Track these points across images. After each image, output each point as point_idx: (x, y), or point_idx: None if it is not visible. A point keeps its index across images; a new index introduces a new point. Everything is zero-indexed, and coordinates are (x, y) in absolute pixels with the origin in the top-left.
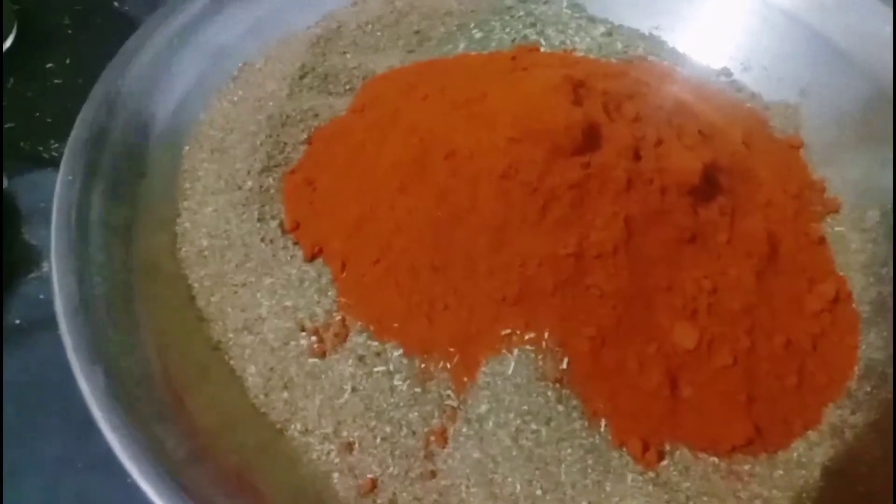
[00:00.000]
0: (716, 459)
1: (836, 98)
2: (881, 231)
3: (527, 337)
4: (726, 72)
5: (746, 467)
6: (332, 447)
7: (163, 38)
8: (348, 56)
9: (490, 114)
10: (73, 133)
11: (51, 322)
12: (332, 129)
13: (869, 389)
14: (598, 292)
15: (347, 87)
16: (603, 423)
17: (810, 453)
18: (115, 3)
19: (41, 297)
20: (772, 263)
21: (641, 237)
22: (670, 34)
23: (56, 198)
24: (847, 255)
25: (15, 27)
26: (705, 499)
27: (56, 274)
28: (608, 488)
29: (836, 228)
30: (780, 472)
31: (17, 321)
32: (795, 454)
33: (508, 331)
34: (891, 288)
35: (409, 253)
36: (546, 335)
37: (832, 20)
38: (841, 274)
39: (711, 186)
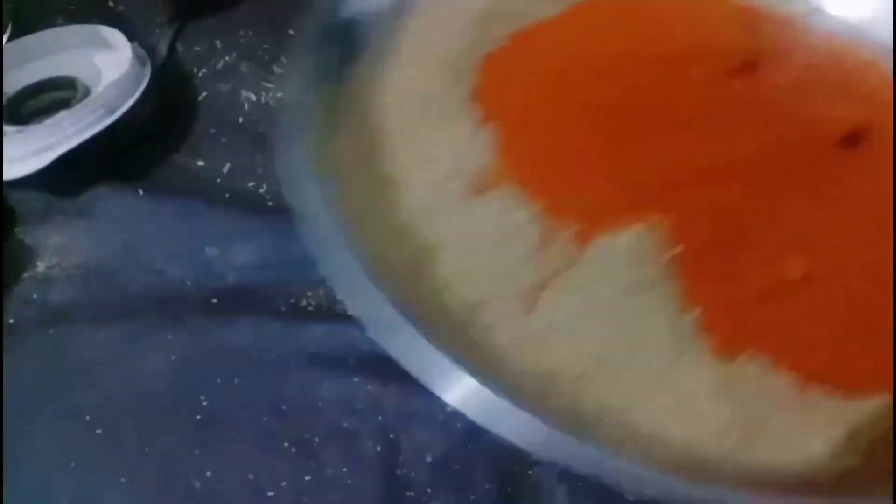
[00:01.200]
0: (790, 380)
1: None
2: None
3: (651, 217)
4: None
5: (818, 398)
6: (455, 270)
7: None
8: None
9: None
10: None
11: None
12: (534, 30)
13: None
14: (727, 198)
15: None
16: (696, 312)
17: (886, 408)
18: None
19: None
20: None
21: (782, 164)
22: None
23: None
24: None
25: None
26: (764, 406)
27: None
28: (680, 370)
29: None
30: (850, 413)
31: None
32: (873, 405)
33: (633, 211)
34: None
35: (566, 129)
36: (666, 222)
37: None
38: None
39: (856, 134)
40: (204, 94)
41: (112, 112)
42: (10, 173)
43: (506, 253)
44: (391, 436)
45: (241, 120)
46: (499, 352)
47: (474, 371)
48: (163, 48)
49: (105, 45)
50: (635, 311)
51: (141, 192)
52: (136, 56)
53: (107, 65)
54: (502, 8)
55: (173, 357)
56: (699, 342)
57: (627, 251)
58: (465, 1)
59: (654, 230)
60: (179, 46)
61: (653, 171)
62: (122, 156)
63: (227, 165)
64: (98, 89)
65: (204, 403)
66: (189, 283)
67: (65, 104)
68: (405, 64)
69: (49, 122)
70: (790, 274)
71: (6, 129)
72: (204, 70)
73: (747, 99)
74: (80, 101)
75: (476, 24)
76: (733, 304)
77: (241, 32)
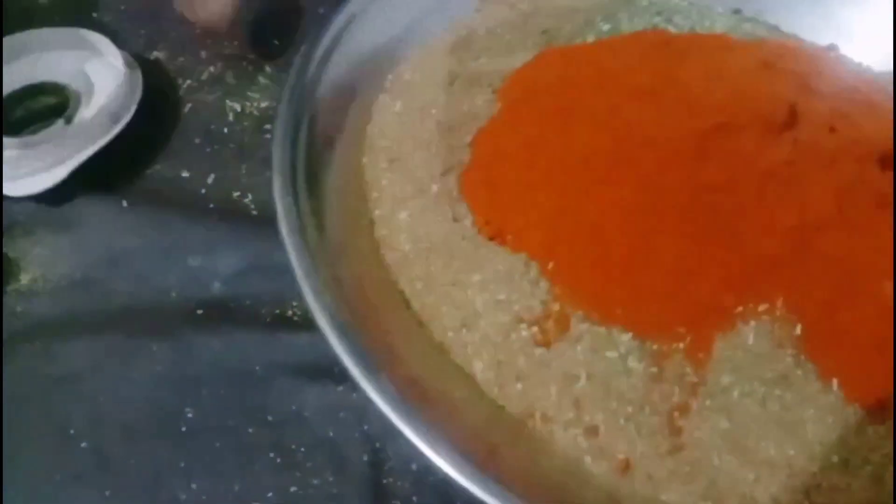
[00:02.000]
0: None
1: None
2: None
3: (761, 308)
4: (834, 47)
5: None
6: (578, 432)
7: (316, 57)
8: (484, 60)
9: (687, 99)
10: (277, 144)
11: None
12: (495, 127)
13: None
14: (822, 259)
15: (491, 89)
16: (834, 382)
17: None
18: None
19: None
20: None
21: (851, 204)
22: (774, 17)
23: (282, 221)
24: None
25: None
26: None
27: (311, 297)
28: (854, 442)
29: None
30: None
31: None
32: None
33: (741, 309)
34: None
35: (623, 241)
36: (779, 304)
37: None
38: None
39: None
40: (189, 105)
41: (116, 122)
42: (23, 189)
43: (621, 397)
44: (377, 444)
45: (226, 130)
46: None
47: None
48: None
49: (91, 49)
50: (787, 408)
51: (125, 203)
52: (127, 63)
53: (95, 71)
54: (454, 112)
55: (158, 368)
56: (854, 412)
57: (755, 347)
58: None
59: (769, 315)
60: (163, 56)
61: (745, 254)
62: (107, 167)
63: (212, 175)
64: (92, 96)
65: (189, 415)
66: (174, 294)
67: (56, 110)
68: (396, 202)
69: (57, 136)
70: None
71: (13, 142)
72: (189, 81)
73: (805, 149)
74: (74, 108)
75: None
76: (865, 361)
77: (226, 43)
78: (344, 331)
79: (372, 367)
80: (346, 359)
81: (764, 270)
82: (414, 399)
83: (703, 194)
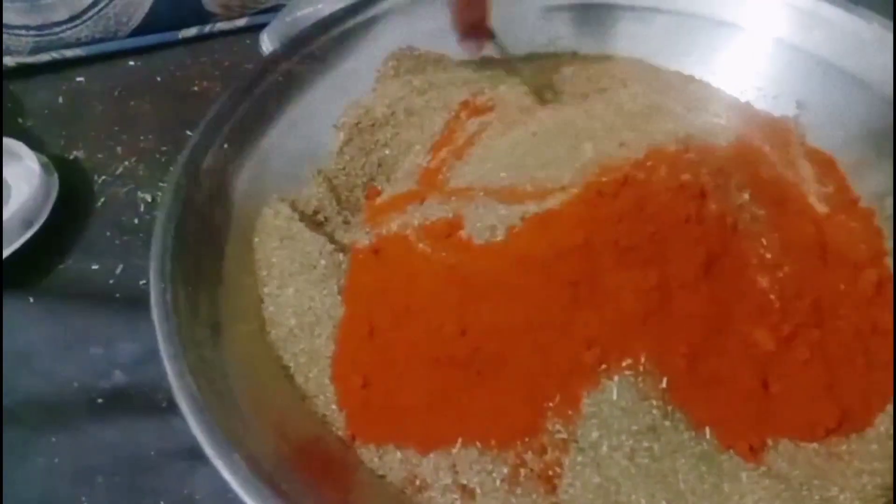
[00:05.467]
0: (815, 445)
1: (831, 105)
2: None
3: (624, 364)
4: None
5: (843, 447)
6: (455, 496)
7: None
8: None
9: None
10: (158, 233)
11: None
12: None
13: None
14: (683, 315)
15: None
16: (707, 430)
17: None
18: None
19: None
20: (821, 259)
21: (717, 265)
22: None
23: (154, 307)
24: None
25: None
26: (817, 482)
27: (173, 377)
28: (727, 489)
29: None
30: (875, 446)
31: None
32: (882, 428)
33: (605, 366)
34: None
35: (496, 308)
36: (642, 359)
37: (816, 37)
38: None
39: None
40: (102, 199)
41: (29, 227)
42: None
43: (496, 457)
44: None
45: (136, 221)
46: None
47: None
48: None
49: (11, 154)
50: (656, 459)
51: (31, 300)
52: (42, 165)
53: (14, 175)
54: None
55: (56, 460)
56: (728, 458)
57: (620, 401)
58: None
59: (633, 370)
60: (82, 154)
61: (603, 315)
62: (18, 266)
63: (120, 266)
64: (9, 199)
65: None
66: (76, 385)
67: None
68: (284, 278)
69: None
70: (765, 346)
71: None
72: (104, 176)
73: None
74: None
75: None
76: (736, 407)
77: (142, 137)
78: (201, 412)
79: (226, 447)
80: (200, 438)
81: (624, 328)
82: (278, 478)
83: (563, 257)
